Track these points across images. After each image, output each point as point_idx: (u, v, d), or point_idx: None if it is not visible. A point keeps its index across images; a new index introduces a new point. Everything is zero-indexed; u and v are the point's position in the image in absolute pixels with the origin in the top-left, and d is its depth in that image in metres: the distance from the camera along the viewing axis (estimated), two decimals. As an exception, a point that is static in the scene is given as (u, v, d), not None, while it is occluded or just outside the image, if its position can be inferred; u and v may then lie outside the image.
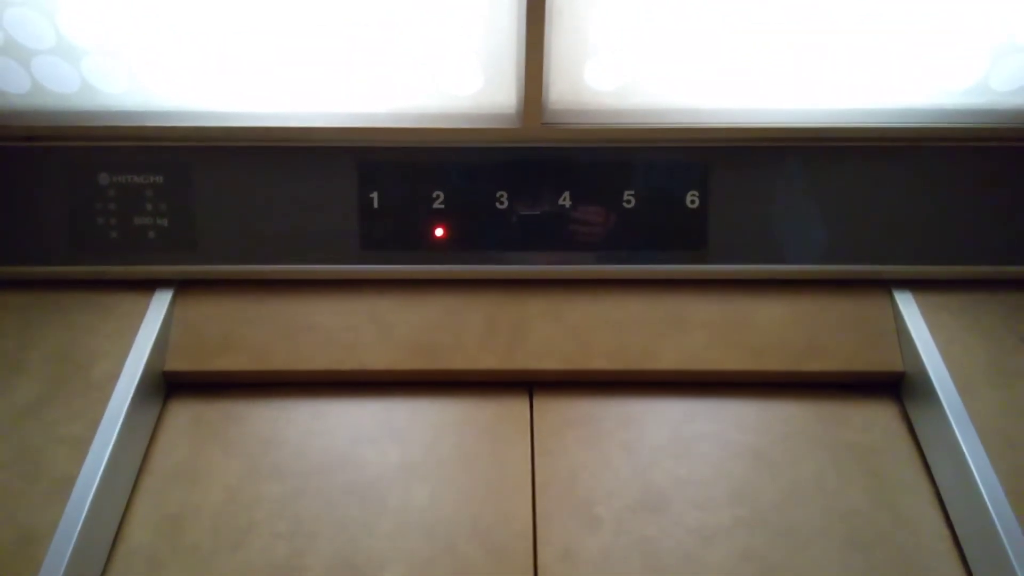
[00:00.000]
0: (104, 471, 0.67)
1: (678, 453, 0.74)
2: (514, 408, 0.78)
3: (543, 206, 0.79)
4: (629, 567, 0.67)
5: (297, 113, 0.77)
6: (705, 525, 0.69)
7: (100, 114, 0.77)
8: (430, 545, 0.68)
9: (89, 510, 0.65)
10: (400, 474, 0.73)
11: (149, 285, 0.81)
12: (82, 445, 0.69)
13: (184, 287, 0.81)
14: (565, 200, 0.79)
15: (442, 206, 0.80)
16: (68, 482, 0.66)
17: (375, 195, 0.79)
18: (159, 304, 0.79)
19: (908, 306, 0.80)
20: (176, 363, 0.78)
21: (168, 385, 0.79)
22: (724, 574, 0.66)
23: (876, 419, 0.77)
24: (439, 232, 0.80)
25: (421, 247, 0.80)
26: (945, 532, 0.69)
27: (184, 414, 0.77)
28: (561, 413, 0.77)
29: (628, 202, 0.79)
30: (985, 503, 0.65)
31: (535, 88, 0.72)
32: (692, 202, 0.80)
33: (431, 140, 0.78)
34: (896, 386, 0.79)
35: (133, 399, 0.72)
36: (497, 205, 0.80)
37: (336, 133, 0.77)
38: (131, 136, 0.78)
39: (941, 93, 0.76)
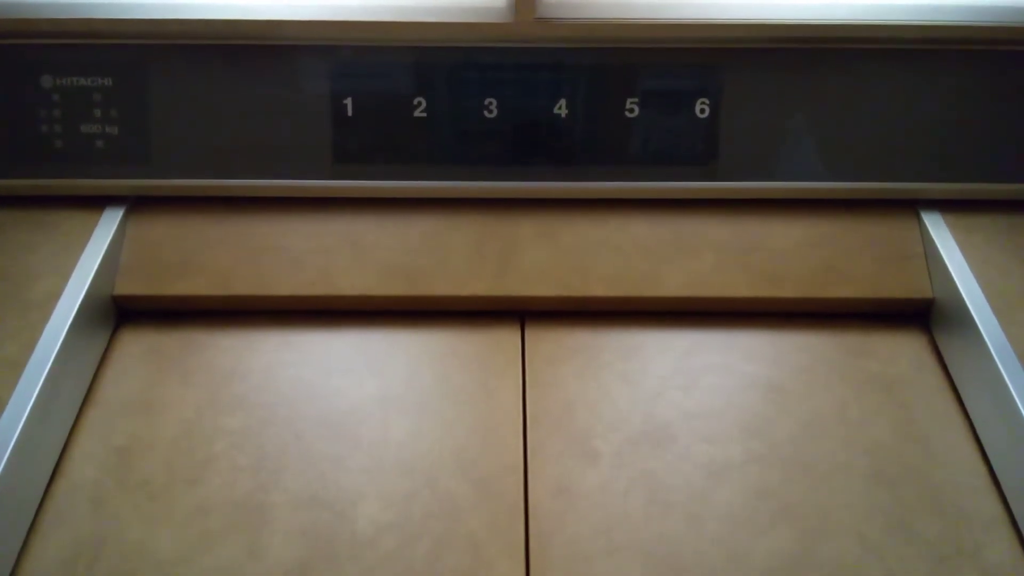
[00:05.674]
0: (39, 396, 0.60)
1: (684, 385, 0.67)
2: (504, 338, 0.71)
3: (536, 115, 0.72)
4: (630, 503, 0.60)
5: (264, 5, 0.70)
6: (714, 460, 0.62)
7: (41, 6, 0.69)
8: (408, 480, 0.61)
9: (20, 438, 0.57)
10: (377, 407, 0.66)
11: (98, 201, 0.73)
12: (15, 368, 0.61)
13: (137, 204, 0.74)
14: (561, 108, 0.72)
15: (424, 114, 0.72)
16: (-3, 406, 0.59)
17: (349, 101, 0.72)
18: (109, 222, 0.72)
19: (938, 228, 0.73)
20: (127, 287, 0.70)
21: (119, 311, 0.71)
22: (736, 511, 0.60)
23: (903, 349, 0.70)
24: (421, 144, 0.72)
25: (401, 161, 0.73)
26: (982, 468, 0.62)
27: (137, 342, 0.70)
28: (556, 343, 0.70)
29: (631, 111, 0.72)
30: (1029, 434, 0.59)
31: (528, -28, 0.65)
32: (702, 111, 0.72)
33: (411, 38, 0.70)
34: (924, 314, 0.72)
35: (76, 322, 0.65)
36: (485, 114, 0.72)
37: (306, 28, 0.69)
38: (77, 32, 0.70)
39: (981, -14, 0.69)
